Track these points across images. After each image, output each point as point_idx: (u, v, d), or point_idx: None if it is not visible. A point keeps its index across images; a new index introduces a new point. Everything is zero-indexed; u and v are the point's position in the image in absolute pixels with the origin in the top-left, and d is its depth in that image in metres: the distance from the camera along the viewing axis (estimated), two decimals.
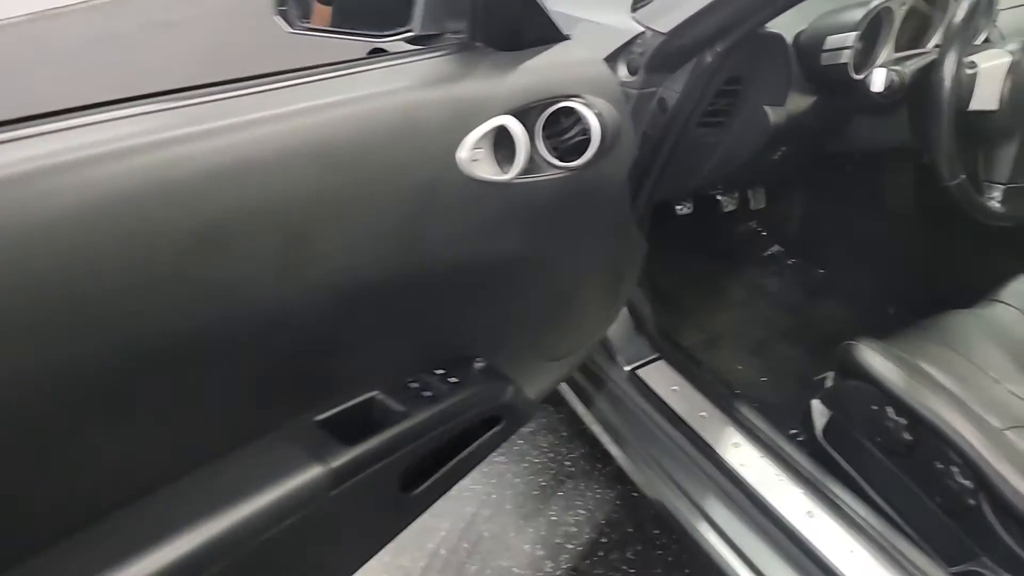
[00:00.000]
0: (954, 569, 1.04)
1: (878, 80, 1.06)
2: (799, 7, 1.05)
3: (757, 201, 1.80)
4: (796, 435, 1.32)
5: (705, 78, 1.12)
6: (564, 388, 1.46)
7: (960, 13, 1.03)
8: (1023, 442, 1.08)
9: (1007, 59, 1.06)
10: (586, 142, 0.84)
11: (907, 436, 1.08)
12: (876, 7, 1.14)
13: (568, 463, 1.61)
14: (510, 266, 0.89)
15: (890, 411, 1.10)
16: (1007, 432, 1.10)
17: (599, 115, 0.83)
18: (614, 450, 1.33)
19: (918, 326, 1.27)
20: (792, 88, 1.21)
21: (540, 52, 0.85)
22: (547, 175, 0.82)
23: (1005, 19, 1.41)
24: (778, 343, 1.64)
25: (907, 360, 1.17)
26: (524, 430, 1.68)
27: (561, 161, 0.83)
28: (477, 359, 0.90)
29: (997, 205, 1.09)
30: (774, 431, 1.22)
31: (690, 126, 1.20)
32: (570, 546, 1.45)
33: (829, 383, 1.26)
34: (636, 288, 1.47)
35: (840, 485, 1.13)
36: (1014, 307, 1.31)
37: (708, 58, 1.09)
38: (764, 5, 1.01)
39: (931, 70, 1.05)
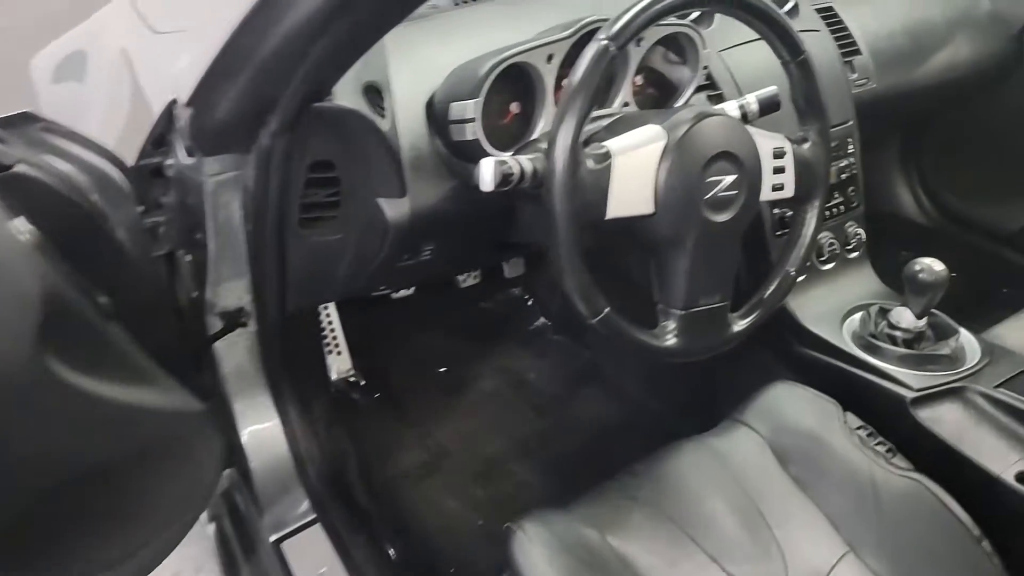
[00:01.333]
0: None
1: (486, 175, 0.73)
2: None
3: (513, 269, 1.47)
4: None
5: (277, 164, 0.79)
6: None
7: (579, 71, 0.71)
8: None
9: (660, 142, 0.75)
10: None
11: None
12: (500, 62, 0.81)
13: None
14: None
15: None
16: None
17: None
18: None
19: (632, 474, 0.97)
20: (422, 172, 0.88)
21: None
22: None
23: (738, 61, 1.12)
24: (514, 459, 1.31)
25: (587, 547, 0.86)
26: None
27: None
28: None
29: (672, 339, 0.79)
30: None
31: (288, 224, 0.87)
32: None
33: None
34: (308, 412, 1.14)
35: None
36: (757, 431, 1.02)
37: (265, 139, 0.76)
38: (288, 66, 0.67)
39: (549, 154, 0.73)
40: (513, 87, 0.89)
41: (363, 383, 1.40)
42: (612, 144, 0.74)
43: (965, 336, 1.06)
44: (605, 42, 0.71)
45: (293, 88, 0.70)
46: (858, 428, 1.00)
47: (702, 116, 0.77)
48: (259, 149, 0.78)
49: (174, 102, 0.79)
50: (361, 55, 0.70)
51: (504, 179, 0.74)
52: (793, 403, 1.04)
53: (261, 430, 1.07)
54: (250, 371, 1.05)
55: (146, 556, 0.89)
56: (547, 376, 1.49)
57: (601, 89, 0.73)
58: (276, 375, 1.08)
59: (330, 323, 1.37)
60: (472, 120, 0.82)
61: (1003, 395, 0.95)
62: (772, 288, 0.88)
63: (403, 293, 1.33)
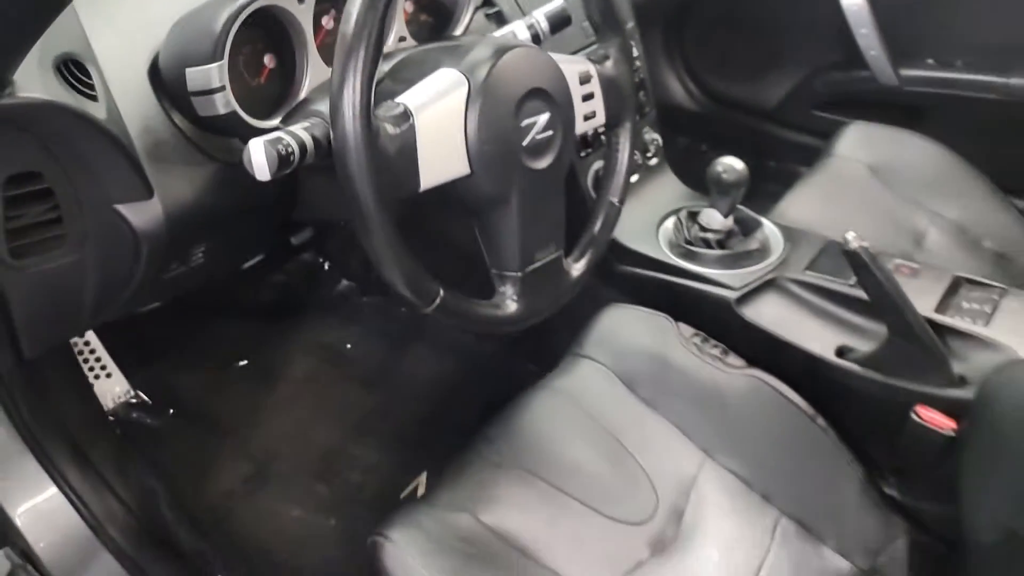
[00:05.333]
0: None
1: (258, 161, 0.57)
2: None
3: (299, 235, 1.30)
4: None
5: None
6: None
7: (357, 2, 0.56)
8: None
9: (462, 88, 0.64)
10: None
11: None
12: (236, 15, 0.64)
13: None
14: None
15: None
16: None
17: None
18: None
19: (487, 439, 0.90)
20: (169, 159, 0.69)
21: None
22: None
23: None
24: (353, 443, 1.19)
25: (462, 537, 0.79)
26: None
27: None
28: None
29: (513, 306, 0.71)
30: None
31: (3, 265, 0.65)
32: None
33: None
34: (85, 469, 0.93)
35: None
36: (600, 363, 1.00)
37: None
38: None
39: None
40: (263, 36, 0.72)
41: (149, 402, 1.19)
42: (408, 100, 0.61)
43: (768, 227, 1.10)
44: None
45: None
46: (692, 336, 1.01)
47: (502, 50, 0.67)
48: None
49: None
50: (45, 25, 0.50)
51: (283, 161, 0.59)
52: (628, 326, 1.02)
53: (37, 504, 0.86)
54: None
55: None
56: (366, 344, 1.35)
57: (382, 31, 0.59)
58: (34, 435, 0.86)
59: (87, 344, 1.12)
60: (221, 88, 0.65)
61: (811, 278, 1.00)
62: (600, 223, 0.82)
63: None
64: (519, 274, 0.70)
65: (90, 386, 1.00)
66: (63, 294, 0.74)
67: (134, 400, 1.16)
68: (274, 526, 1.06)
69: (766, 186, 1.39)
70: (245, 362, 1.29)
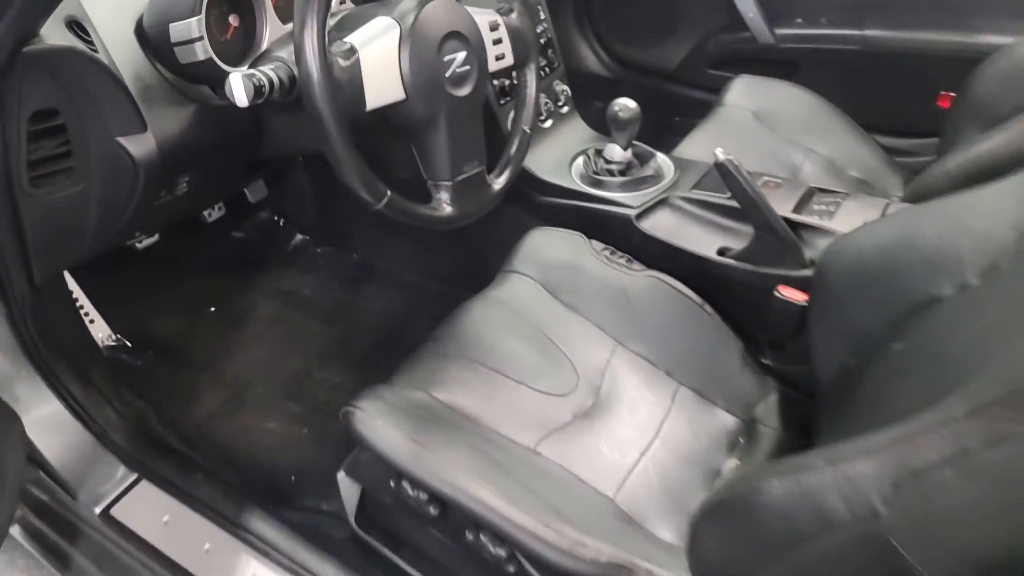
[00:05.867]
0: None
1: (238, 91, 0.74)
2: None
3: (255, 193, 1.45)
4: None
5: None
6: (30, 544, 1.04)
7: None
8: (556, 455, 0.97)
9: (395, 32, 0.81)
10: None
11: (432, 510, 0.89)
12: None
13: None
14: None
15: (407, 486, 0.90)
16: (540, 447, 0.98)
17: None
18: None
19: (436, 339, 1.08)
20: (157, 101, 0.84)
21: None
22: None
23: None
24: (318, 369, 1.36)
25: (418, 405, 0.97)
26: None
27: None
28: None
29: (448, 209, 0.89)
30: (299, 543, 0.96)
31: (17, 185, 0.79)
32: None
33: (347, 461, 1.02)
34: (88, 387, 1.07)
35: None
36: (528, 276, 1.18)
37: None
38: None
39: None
40: (227, 2, 0.88)
41: (129, 345, 1.32)
42: (353, 39, 0.78)
43: (661, 158, 1.30)
44: None
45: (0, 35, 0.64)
46: (602, 250, 1.20)
47: (424, 1, 0.84)
48: None
49: None
50: None
51: (257, 92, 0.76)
52: (549, 244, 1.21)
53: (44, 415, 1.00)
54: (10, 356, 0.96)
55: None
56: (323, 287, 1.52)
57: None
58: (41, 354, 1.00)
59: (71, 293, 1.25)
60: (200, 38, 0.81)
61: (695, 195, 1.21)
62: (515, 147, 1.01)
63: (147, 242, 1.25)
64: (450, 182, 0.88)
65: (83, 322, 1.13)
66: (69, 221, 0.88)
67: (116, 343, 1.29)
68: (253, 437, 1.22)
69: (672, 139, 1.59)
70: (214, 308, 1.43)
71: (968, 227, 0.79)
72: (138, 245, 1.23)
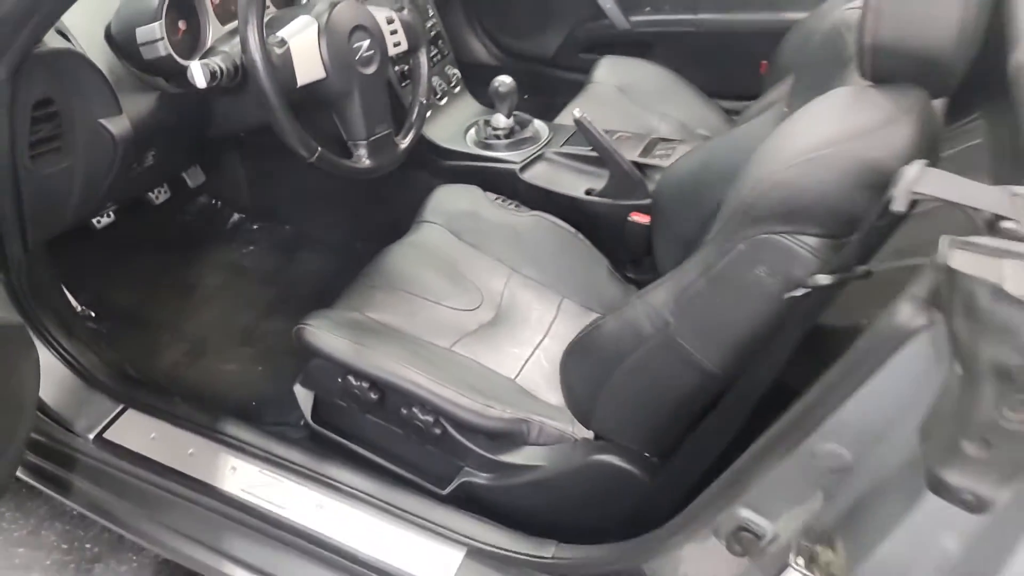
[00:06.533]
0: (450, 487, 1.18)
1: (198, 75, 0.98)
2: None
3: (194, 178, 1.66)
4: (301, 420, 1.32)
5: (3, 109, 0.93)
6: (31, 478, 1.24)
7: None
8: (467, 352, 1.24)
9: (314, 27, 1.07)
10: None
11: (373, 396, 1.15)
12: None
13: (89, 544, 1.41)
14: None
15: (351, 379, 1.16)
16: (455, 347, 1.25)
17: None
18: (116, 528, 1.19)
19: (365, 275, 1.33)
20: (126, 90, 1.07)
21: None
22: None
23: None
24: (265, 321, 1.60)
25: (356, 320, 1.23)
26: (21, 532, 1.41)
27: None
28: None
29: (366, 161, 1.15)
30: (267, 439, 1.19)
31: (20, 161, 1.00)
32: None
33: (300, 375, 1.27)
34: (73, 338, 1.27)
35: (338, 466, 1.16)
36: (437, 223, 1.45)
37: None
38: (17, 21, 0.84)
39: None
40: (177, 7, 1.11)
41: (92, 314, 1.51)
42: (283, 33, 1.04)
43: (538, 123, 1.60)
44: None
45: (19, 42, 0.86)
46: (495, 199, 1.48)
47: (335, 3, 1.11)
48: None
49: None
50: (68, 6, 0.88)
51: (212, 76, 1.00)
52: (452, 197, 1.48)
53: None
54: (6, 312, 1.15)
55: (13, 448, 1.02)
56: (261, 256, 1.74)
57: None
58: (32, 310, 1.19)
59: None
60: (161, 39, 1.04)
61: (565, 149, 1.51)
62: (415, 115, 1.28)
63: (105, 222, 1.44)
64: (366, 141, 1.15)
65: (62, 287, 1.32)
66: (58, 193, 1.09)
67: (81, 313, 1.48)
68: (216, 377, 1.44)
69: (553, 115, 1.89)
70: (168, 281, 1.64)
71: (739, 146, 1.10)
72: (96, 225, 1.43)
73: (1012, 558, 0.55)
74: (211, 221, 1.79)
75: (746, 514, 0.78)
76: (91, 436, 1.21)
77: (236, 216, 1.82)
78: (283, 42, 1.03)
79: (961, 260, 0.52)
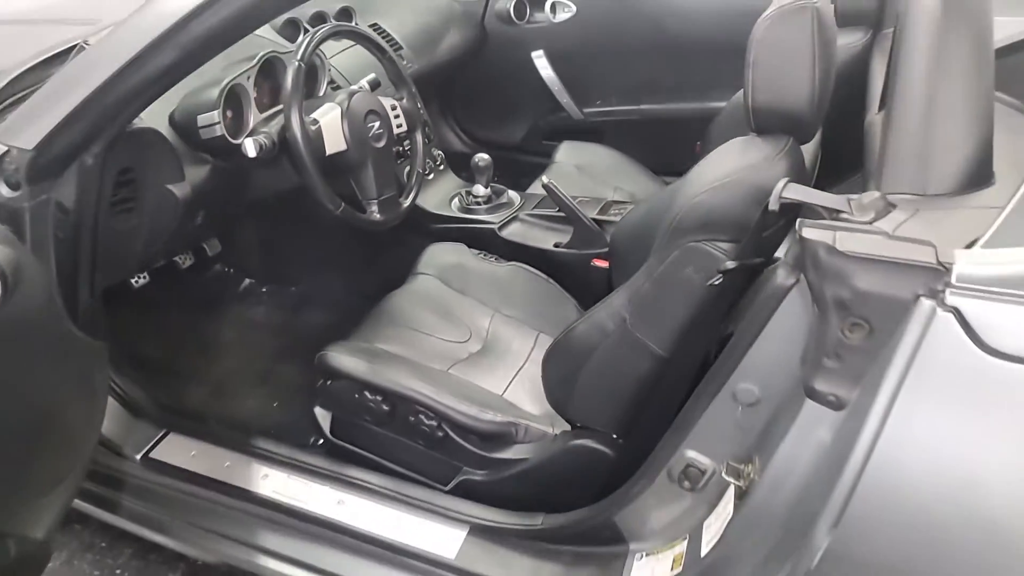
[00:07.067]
0: (450, 484, 1.39)
1: (250, 148, 1.27)
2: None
3: (213, 248, 1.91)
4: (316, 441, 1.53)
5: (95, 176, 1.17)
6: (80, 503, 1.40)
7: (288, 82, 1.29)
8: (461, 373, 1.48)
9: (338, 110, 1.37)
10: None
11: (385, 407, 1.37)
12: (225, 85, 1.33)
13: (119, 571, 1.56)
14: None
15: (367, 394, 1.38)
16: (451, 371, 1.49)
17: None
18: (161, 539, 1.35)
19: (372, 315, 1.58)
20: (187, 162, 1.34)
21: None
22: None
23: (340, 64, 1.77)
24: (278, 365, 1.82)
25: (368, 348, 1.46)
26: (55, 564, 1.55)
27: None
28: None
29: (377, 216, 1.43)
30: (292, 449, 1.40)
31: (101, 219, 1.24)
32: None
33: (319, 394, 1.48)
34: (121, 375, 1.47)
35: (355, 468, 1.37)
36: (430, 275, 1.71)
37: (88, 160, 1.14)
38: (123, 108, 1.10)
39: (286, 130, 1.29)
40: (227, 101, 1.40)
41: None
42: (316, 116, 1.33)
43: (511, 192, 1.91)
44: (296, 63, 1.30)
45: (117, 124, 1.12)
46: (478, 253, 1.76)
47: (353, 94, 1.41)
48: (82, 168, 1.15)
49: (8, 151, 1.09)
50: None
51: (259, 148, 1.28)
52: (441, 252, 1.75)
53: None
54: None
55: (79, 470, 1.22)
56: (271, 313, 1.98)
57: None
58: None
59: None
60: (219, 123, 1.32)
61: (535, 211, 1.81)
62: (414, 181, 1.57)
63: (141, 282, 1.67)
64: (376, 199, 1.43)
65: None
66: (128, 244, 1.33)
67: None
68: (239, 412, 1.64)
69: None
70: (191, 334, 1.86)
71: (673, 197, 1.41)
72: (134, 284, 1.66)
73: (861, 437, 0.80)
74: (226, 285, 2.03)
75: (691, 454, 1.03)
76: (138, 457, 1.39)
77: (247, 281, 2.07)
78: (315, 121, 1.32)
79: (809, 232, 0.80)
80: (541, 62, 2.35)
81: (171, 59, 1.01)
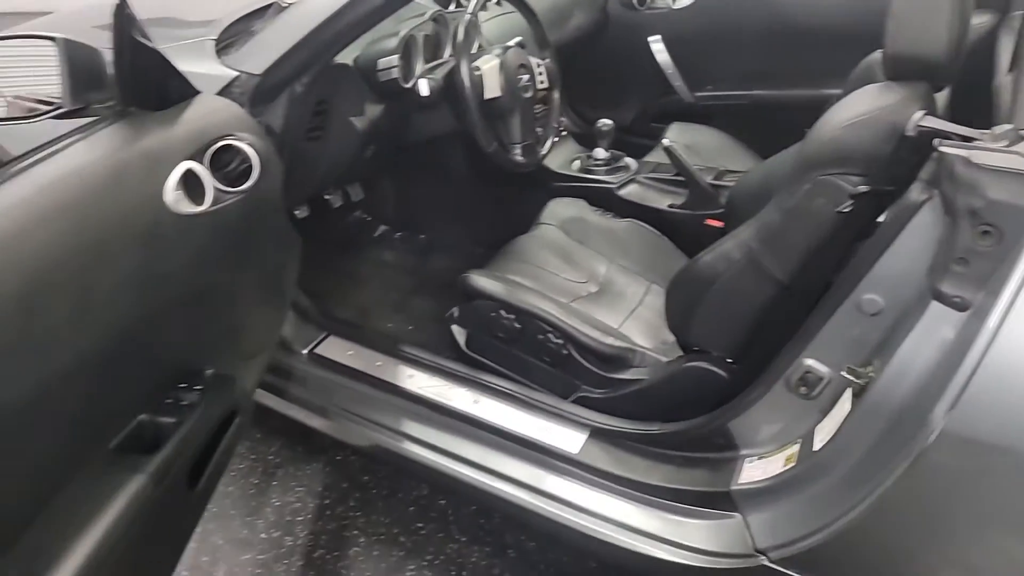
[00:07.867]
0: (570, 399, 1.54)
1: (423, 88, 1.47)
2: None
3: (356, 194, 2.13)
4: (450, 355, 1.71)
5: (299, 104, 1.38)
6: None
7: (460, 34, 1.49)
8: (581, 307, 1.64)
9: (496, 61, 1.56)
10: (248, 169, 1.05)
11: (517, 325, 1.54)
12: (405, 36, 1.53)
13: (271, 456, 1.77)
14: (217, 284, 1.06)
15: (502, 313, 1.55)
16: (572, 304, 1.65)
17: (253, 145, 1.05)
18: (316, 422, 1.56)
19: (502, 253, 1.76)
20: (366, 100, 1.55)
21: (187, 106, 1.03)
22: (228, 201, 1.02)
23: (487, 29, 1.96)
24: (411, 299, 2.03)
25: (501, 276, 1.64)
26: None
27: (233, 188, 1.03)
28: (206, 369, 1.05)
29: (520, 158, 1.61)
30: (434, 356, 1.58)
31: (299, 143, 1.46)
32: (300, 518, 1.64)
33: (457, 312, 1.66)
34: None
35: (488, 374, 1.54)
36: (552, 224, 1.88)
37: (298, 88, 1.35)
38: (332, 45, 1.31)
39: (454, 75, 1.49)
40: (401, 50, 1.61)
41: None
42: (479, 63, 1.52)
43: (629, 159, 2.06)
44: (469, 16, 1.49)
45: (329, 56, 1.33)
46: (596, 210, 1.92)
47: (507, 48, 1.59)
48: (292, 95, 1.36)
49: (238, 76, 1.30)
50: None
51: (433, 90, 1.48)
52: (562, 207, 1.91)
53: None
54: None
55: (268, 351, 1.42)
56: (401, 257, 2.22)
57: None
58: None
59: None
60: (396, 67, 1.52)
61: (652, 174, 1.95)
62: (550, 137, 1.75)
63: (301, 214, 1.90)
64: (520, 144, 1.61)
65: None
66: (313, 167, 1.54)
67: None
68: (379, 327, 1.86)
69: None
70: (335, 267, 2.09)
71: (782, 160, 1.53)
72: (297, 215, 1.89)
73: (982, 333, 0.91)
74: (362, 229, 2.27)
75: (810, 362, 1.15)
76: (304, 352, 1.60)
77: (382, 227, 2.30)
78: (478, 68, 1.51)
79: (948, 149, 0.93)
80: (657, 47, 2.49)
81: (377, 3, 1.22)
